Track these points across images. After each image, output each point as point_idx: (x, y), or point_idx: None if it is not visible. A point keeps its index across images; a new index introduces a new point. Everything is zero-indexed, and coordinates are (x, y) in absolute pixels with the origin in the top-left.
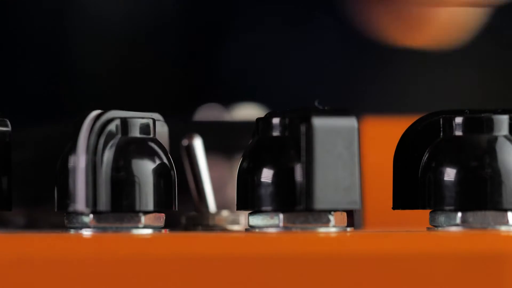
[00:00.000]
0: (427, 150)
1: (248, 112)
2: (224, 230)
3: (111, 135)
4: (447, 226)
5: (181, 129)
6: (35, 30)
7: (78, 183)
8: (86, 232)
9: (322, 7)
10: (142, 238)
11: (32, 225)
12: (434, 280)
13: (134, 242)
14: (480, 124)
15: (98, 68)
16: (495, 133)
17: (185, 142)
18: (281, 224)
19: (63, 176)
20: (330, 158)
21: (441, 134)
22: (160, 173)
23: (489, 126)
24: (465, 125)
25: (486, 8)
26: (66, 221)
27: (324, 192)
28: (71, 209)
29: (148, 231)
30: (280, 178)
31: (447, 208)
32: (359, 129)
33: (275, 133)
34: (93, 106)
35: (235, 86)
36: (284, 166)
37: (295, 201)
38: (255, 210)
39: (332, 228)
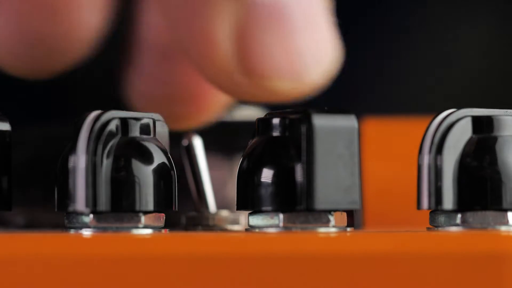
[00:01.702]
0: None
1: (248, 112)
2: (224, 230)
3: (111, 135)
4: (447, 226)
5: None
6: None
7: (78, 183)
8: (86, 232)
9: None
10: (142, 238)
11: (32, 225)
12: (434, 280)
13: (134, 242)
14: (480, 124)
15: (98, 68)
16: (496, 133)
17: (185, 142)
18: (281, 224)
19: (63, 176)
20: (330, 158)
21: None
22: (160, 173)
23: (489, 126)
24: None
25: None
26: (66, 221)
27: (325, 192)
28: (71, 209)
29: (148, 231)
30: (280, 178)
31: (447, 208)
32: (359, 129)
33: (275, 133)
34: (93, 106)
35: None
36: (284, 166)
37: (295, 201)
38: (255, 210)
39: (332, 228)
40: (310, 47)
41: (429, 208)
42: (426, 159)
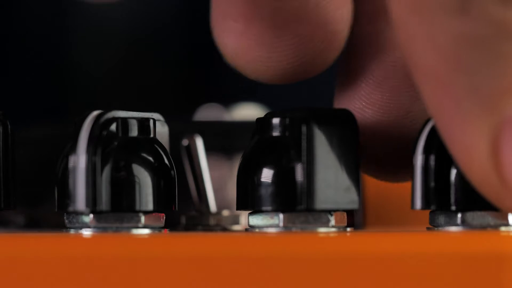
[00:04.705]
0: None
1: (248, 112)
2: (224, 230)
3: (111, 135)
4: (447, 226)
5: (181, 129)
6: (36, 30)
7: (78, 183)
8: (86, 232)
9: None
10: (142, 238)
11: (32, 225)
12: (434, 280)
13: (134, 242)
14: None
15: (98, 68)
16: None
17: (185, 142)
18: (281, 224)
19: (63, 176)
20: (330, 158)
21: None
22: (160, 173)
23: None
24: None
25: None
26: (66, 221)
27: (325, 192)
28: (71, 209)
29: (148, 231)
30: (280, 178)
31: (447, 208)
32: (359, 129)
33: (275, 133)
34: (93, 106)
35: (235, 86)
36: (284, 166)
37: (295, 201)
38: (255, 210)
39: (332, 228)
40: None
41: (422, 208)
42: (419, 159)
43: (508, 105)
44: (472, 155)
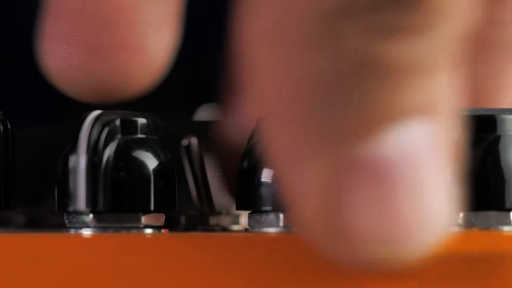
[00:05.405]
0: None
1: None
2: (224, 230)
3: (111, 135)
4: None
5: (181, 129)
6: (36, 30)
7: (78, 183)
8: (86, 232)
9: None
10: (142, 238)
11: (32, 225)
12: (434, 280)
13: (134, 242)
14: (483, 123)
15: None
16: (499, 133)
17: (185, 142)
18: (281, 224)
19: (63, 176)
20: None
21: None
22: (160, 173)
23: (493, 125)
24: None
25: None
26: (66, 221)
27: None
28: (71, 209)
29: (148, 231)
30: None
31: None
32: None
33: None
34: (93, 106)
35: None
36: None
37: None
38: (255, 210)
39: None
40: (413, 210)
41: None
42: None
43: (351, 146)
44: (306, 202)
